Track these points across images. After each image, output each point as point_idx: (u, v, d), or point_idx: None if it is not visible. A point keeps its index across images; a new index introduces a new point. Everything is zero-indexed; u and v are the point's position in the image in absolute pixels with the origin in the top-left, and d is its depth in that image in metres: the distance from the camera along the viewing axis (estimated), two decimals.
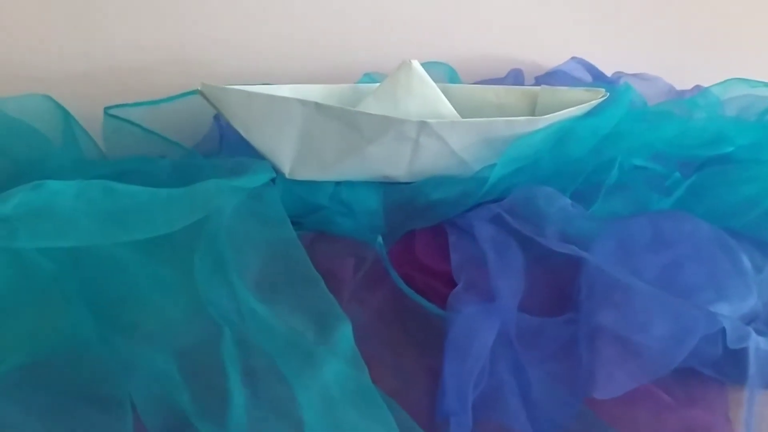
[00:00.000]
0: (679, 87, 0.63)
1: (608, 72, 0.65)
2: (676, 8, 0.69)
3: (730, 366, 0.40)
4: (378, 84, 0.49)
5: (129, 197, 0.39)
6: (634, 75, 0.64)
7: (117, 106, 0.55)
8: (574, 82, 0.61)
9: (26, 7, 0.55)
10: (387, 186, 0.47)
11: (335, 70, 0.59)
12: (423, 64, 0.52)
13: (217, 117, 0.58)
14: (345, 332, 0.36)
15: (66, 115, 0.52)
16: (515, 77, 0.63)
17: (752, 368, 0.37)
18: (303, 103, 0.43)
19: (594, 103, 0.48)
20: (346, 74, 0.57)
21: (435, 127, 0.43)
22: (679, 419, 0.39)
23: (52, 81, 0.59)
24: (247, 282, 0.39)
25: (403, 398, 0.38)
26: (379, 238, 0.43)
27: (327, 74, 0.58)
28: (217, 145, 0.58)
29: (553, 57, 0.65)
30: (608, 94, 0.49)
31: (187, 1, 0.58)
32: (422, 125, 0.43)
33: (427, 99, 0.47)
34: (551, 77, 0.62)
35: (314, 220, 0.47)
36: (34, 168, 0.47)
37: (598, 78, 0.64)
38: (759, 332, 0.42)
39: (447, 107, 0.48)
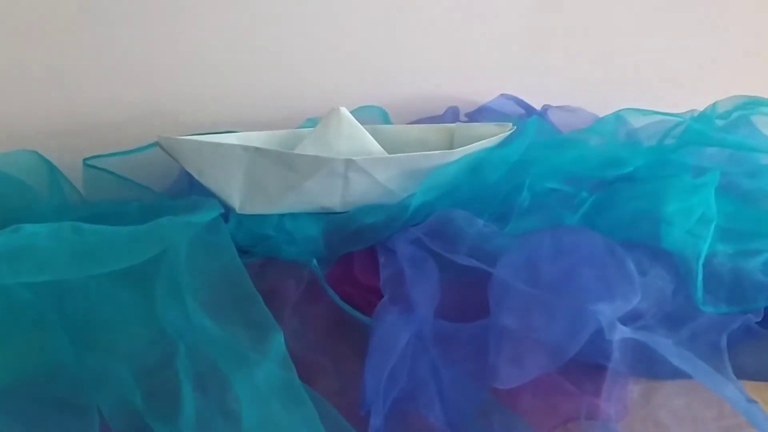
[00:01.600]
0: (601, 115, 0.70)
1: (537, 105, 0.72)
2: (598, 45, 0.76)
3: (639, 365, 0.47)
4: (312, 129, 0.57)
5: (96, 235, 0.46)
6: (560, 107, 0.71)
7: (94, 156, 0.62)
8: (502, 116, 0.68)
9: (12, 70, 0.62)
10: (324, 216, 0.54)
11: (281, 115, 0.66)
12: (358, 108, 0.59)
13: None
14: (277, 339, 0.43)
15: (51, 167, 0.58)
16: (452, 114, 0.70)
17: (615, 354, 0.43)
18: (245, 148, 0.50)
19: (503, 135, 0.55)
20: (291, 118, 0.65)
21: (360, 163, 0.50)
22: (575, 405, 0.45)
23: (38, 137, 0.66)
24: (197, 302, 0.46)
25: (343, 398, 0.45)
26: (314, 260, 0.50)
27: (274, 120, 0.65)
28: (187, 188, 0.65)
29: (487, 93, 0.72)
30: (515, 127, 0.56)
31: (156, 60, 0.65)
32: (349, 162, 0.50)
33: (356, 139, 0.54)
34: (481, 113, 0.69)
35: (263, 248, 0.54)
36: (21, 215, 0.53)
37: (527, 110, 0.71)
38: (646, 328, 0.49)
39: (374, 146, 0.55)
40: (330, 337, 0.50)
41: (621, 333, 0.44)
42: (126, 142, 0.64)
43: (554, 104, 0.72)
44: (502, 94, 0.72)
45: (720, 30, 0.77)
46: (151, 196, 0.61)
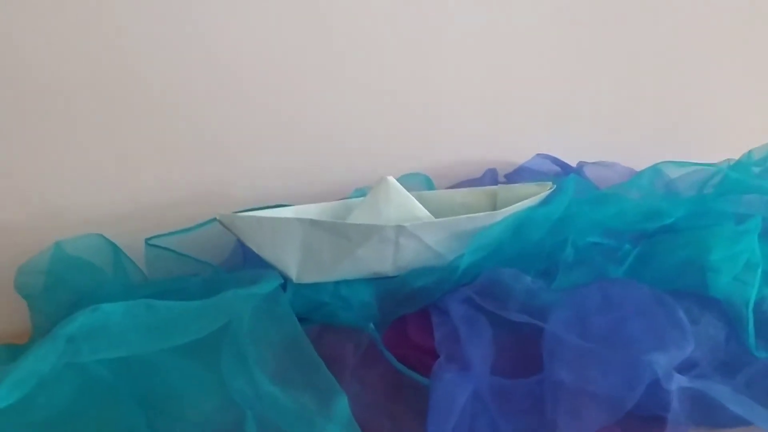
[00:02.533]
0: (637, 168, 0.72)
1: (572, 162, 0.75)
2: (630, 98, 0.79)
3: (694, 410, 0.47)
4: (362, 198, 0.60)
5: (166, 311, 0.49)
6: (595, 163, 0.73)
7: (155, 236, 0.66)
8: (539, 175, 0.71)
9: (77, 159, 0.67)
10: (377, 281, 0.56)
11: (331, 187, 0.69)
12: (403, 176, 0.62)
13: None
14: (341, 403, 0.44)
15: (115, 249, 0.62)
16: (491, 175, 0.73)
17: (674, 404, 0.44)
18: (301, 221, 0.53)
19: (544, 194, 0.57)
20: (340, 190, 0.68)
21: (410, 228, 0.53)
22: None
23: (102, 221, 0.70)
24: (263, 371, 0.48)
25: None
26: (371, 324, 0.52)
27: (324, 191, 0.68)
28: (241, 260, 0.68)
29: (522, 153, 0.75)
30: (555, 186, 0.58)
31: (208, 140, 0.70)
32: (399, 228, 0.53)
33: (404, 206, 0.57)
34: (519, 173, 0.72)
35: (320, 315, 0.56)
36: (91, 295, 0.56)
37: (563, 168, 0.73)
38: (702, 376, 0.49)
39: (422, 211, 0.58)
40: (389, 400, 0.52)
41: (678, 382, 0.45)
42: (183, 222, 0.68)
43: (589, 160, 0.74)
44: (538, 154, 0.75)
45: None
46: (210, 270, 0.64)
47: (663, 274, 0.55)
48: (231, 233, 0.55)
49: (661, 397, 0.46)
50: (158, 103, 0.68)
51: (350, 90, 0.70)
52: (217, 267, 0.65)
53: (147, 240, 0.65)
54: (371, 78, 0.70)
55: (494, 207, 0.63)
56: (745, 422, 0.46)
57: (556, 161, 0.74)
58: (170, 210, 0.71)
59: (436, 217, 0.58)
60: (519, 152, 0.75)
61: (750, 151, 0.62)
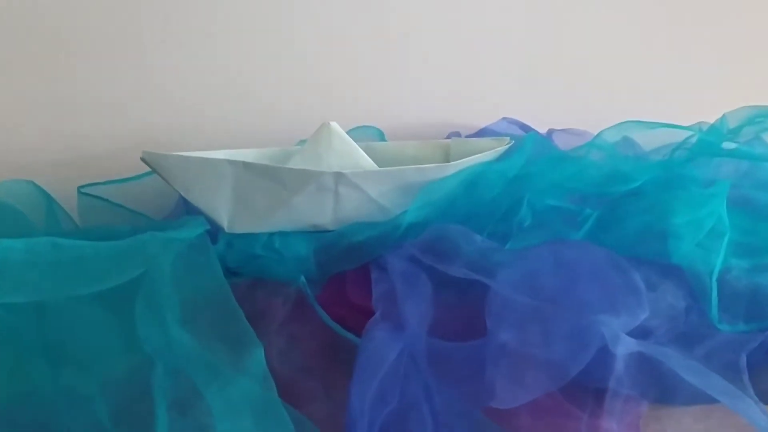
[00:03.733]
0: None
1: (542, 130, 0.70)
2: (600, 66, 0.75)
3: (648, 384, 0.43)
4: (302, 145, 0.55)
5: (74, 250, 0.44)
6: (564, 130, 0.69)
7: (89, 185, 0.61)
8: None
9: (9, 101, 0.63)
10: (315, 234, 0.52)
11: (277, 138, 0.65)
12: (353, 129, 0.57)
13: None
14: (257, 355, 0.40)
15: (47, 196, 0.57)
16: None
17: (618, 367, 0.40)
18: (232, 162, 0.48)
19: (500, 149, 0.53)
20: (288, 142, 0.64)
21: (350, 176, 0.49)
22: (579, 429, 0.42)
23: (34, 167, 0.65)
24: (179, 321, 0.44)
25: (333, 425, 0.42)
26: (302, 277, 0.48)
27: (269, 143, 0.64)
28: (184, 216, 0.64)
29: (488, 119, 0.71)
30: (513, 141, 0.54)
31: (152, 89, 0.66)
32: (339, 176, 0.49)
33: (347, 154, 0.53)
34: (482, 135, 0.68)
35: (252, 268, 0.52)
36: None
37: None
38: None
39: (367, 161, 0.53)
40: (320, 360, 0.48)
41: (626, 346, 0.41)
42: (123, 173, 0.64)
43: (557, 128, 0.70)
44: (504, 118, 0.71)
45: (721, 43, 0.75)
46: (145, 221, 0.60)
47: (623, 240, 0.51)
48: (157, 174, 0.51)
49: (611, 366, 0.43)
50: (100, 43, 0.64)
51: (305, 41, 0.66)
52: (152, 218, 0.61)
53: (79, 188, 0.61)
54: (328, 30, 0.66)
55: (447, 161, 0.58)
56: (700, 398, 0.42)
57: (523, 126, 0.70)
58: (109, 160, 0.67)
59: None
60: (485, 117, 0.71)
61: (723, 116, 0.58)
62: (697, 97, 0.75)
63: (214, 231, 0.51)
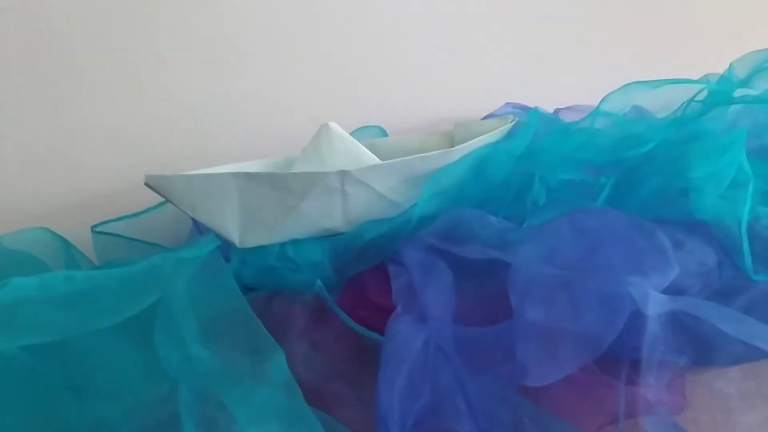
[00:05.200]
0: None
1: (549, 110, 0.69)
2: (604, 39, 0.73)
3: (687, 344, 0.41)
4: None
5: (86, 281, 0.44)
6: (570, 108, 0.67)
7: (102, 223, 0.61)
8: None
9: (13, 148, 0.63)
10: (328, 238, 0.51)
11: (280, 151, 0.64)
12: (355, 130, 0.56)
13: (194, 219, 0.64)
14: (278, 361, 0.39)
15: (64, 242, 0.57)
16: None
17: (651, 326, 0.38)
18: (234, 175, 0.48)
19: (505, 128, 0.52)
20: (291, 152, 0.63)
21: (355, 173, 0.48)
22: (621, 400, 0.40)
23: (47, 215, 0.65)
24: (199, 341, 0.43)
25: (367, 425, 0.41)
26: (319, 282, 0.47)
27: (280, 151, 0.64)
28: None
29: (492, 107, 0.70)
30: (516, 119, 0.53)
31: (152, 121, 0.66)
32: (344, 174, 0.48)
33: (350, 153, 0.52)
34: None
35: (268, 281, 0.51)
36: None
37: None
38: None
39: (369, 157, 0.53)
40: (347, 364, 0.46)
41: (658, 304, 0.39)
42: (136, 208, 0.64)
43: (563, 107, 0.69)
44: (507, 103, 0.69)
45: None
46: (162, 252, 0.60)
47: (643, 204, 0.49)
48: (162, 197, 0.50)
49: (645, 330, 0.40)
50: (97, 84, 0.64)
51: (304, 35, 0.65)
52: (168, 248, 0.61)
53: (93, 227, 0.61)
54: (325, 27, 0.66)
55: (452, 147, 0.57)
56: (744, 355, 0.40)
57: (528, 111, 0.68)
58: (118, 196, 0.67)
59: None
60: (488, 105, 0.70)
61: (731, 65, 0.56)
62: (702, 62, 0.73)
63: (226, 249, 0.50)
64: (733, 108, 0.55)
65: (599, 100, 0.67)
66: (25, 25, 0.60)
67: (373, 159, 0.53)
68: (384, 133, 0.65)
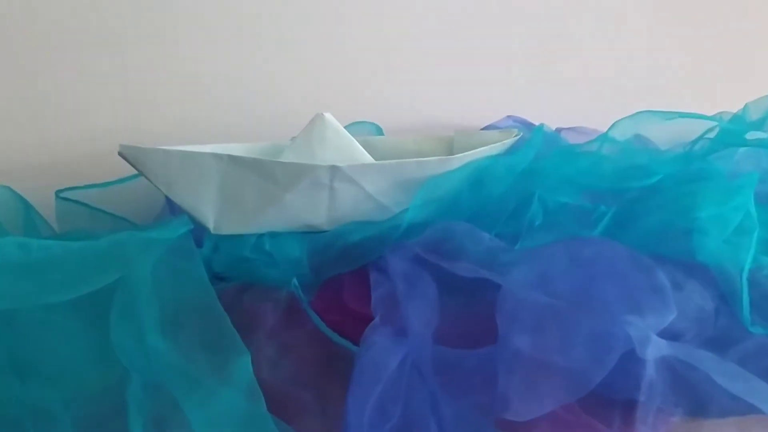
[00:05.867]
0: None
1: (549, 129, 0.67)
2: (611, 61, 0.71)
3: (682, 393, 0.39)
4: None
5: (42, 250, 0.40)
6: (572, 128, 0.65)
7: (67, 189, 0.58)
8: None
9: None
10: (309, 234, 0.48)
11: (270, 137, 0.61)
12: (351, 124, 0.53)
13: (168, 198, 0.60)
14: (243, 363, 0.36)
15: (24, 203, 0.54)
16: None
17: (649, 374, 0.36)
18: (217, 156, 0.45)
19: (508, 142, 0.49)
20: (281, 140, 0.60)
21: (347, 170, 0.45)
22: None
23: (11, 172, 0.61)
24: (159, 329, 0.40)
25: None
26: (294, 280, 0.44)
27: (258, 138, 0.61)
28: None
29: (492, 117, 0.67)
30: (521, 133, 0.50)
31: (134, 86, 0.62)
32: (334, 170, 0.45)
33: (343, 148, 0.49)
34: None
35: (240, 272, 0.48)
36: None
37: None
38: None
39: (363, 155, 0.50)
40: (314, 370, 0.43)
41: (657, 349, 0.36)
42: (105, 177, 0.60)
43: (565, 127, 0.67)
44: (509, 116, 0.67)
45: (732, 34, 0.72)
46: (128, 226, 0.56)
47: (643, 238, 0.47)
48: (136, 170, 0.46)
49: (637, 374, 0.38)
50: (75, 40, 0.60)
51: (305, 36, 0.63)
52: (134, 222, 0.57)
53: (57, 192, 0.57)
54: (325, 25, 0.63)
55: (450, 155, 0.55)
56: (737, 408, 0.38)
57: (529, 126, 0.66)
58: (90, 163, 0.63)
59: None
60: (489, 116, 0.67)
61: (746, 105, 0.54)
62: (710, 94, 0.72)
63: (199, 233, 0.47)
64: (739, 150, 0.54)
65: (601, 124, 0.66)
66: None
67: (367, 157, 0.50)
68: (380, 131, 0.62)
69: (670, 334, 0.40)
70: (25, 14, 0.58)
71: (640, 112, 0.54)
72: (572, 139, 0.65)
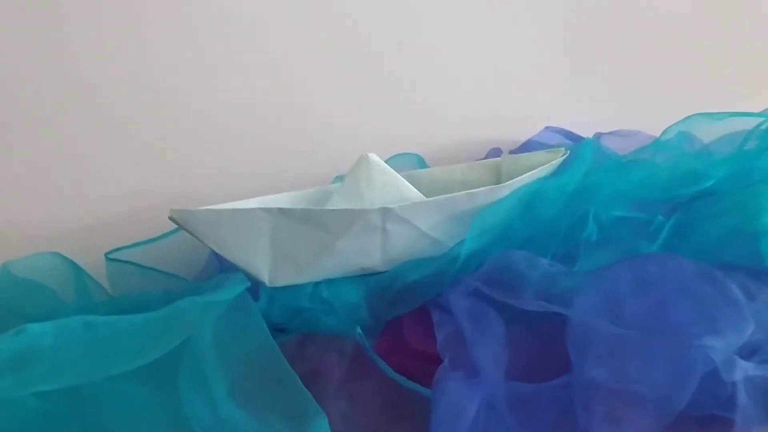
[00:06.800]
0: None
1: (588, 134, 0.65)
2: (645, 60, 0.70)
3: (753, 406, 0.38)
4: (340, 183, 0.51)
5: (107, 328, 0.40)
6: (613, 132, 0.64)
7: (116, 249, 0.58)
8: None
9: (24, 170, 0.60)
10: (365, 277, 0.47)
11: (308, 179, 0.61)
12: (391, 158, 0.53)
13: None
14: (320, 425, 0.36)
15: (75, 267, 0.54)
16: (495, 155, 0.64)
17: (741, 398, 0.34)
18: (267, 210, 0.44)
19: (555, 162, 0.48)
20: (321, 181, 0.59)
21: (398, 211, 0.44)
22: None
23: (58, 238, 0.62)
24: (227, 392, 0.39)
25: None
26: (358, 329, 0.43)
27: (305, 184, 0.60)
28: (218, 271, 0.60)
29: (530, 130, 0.66)
30: (568, 151, 0.49)
31: (169, 142, 0.62)
32: (385, 211, 0.44)
33: (391, 187, 0.48)
34: (525, 149, 0.63)
35: (300, 323, 0.47)
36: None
37: (576, 142, 0.64)
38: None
39: (412, 191, 0.49)
40: (386, 418, 0.43)
41: (744, 370, 0.35)
42: (148, 234, 0.60)
43: (604, 131, 0.65)
44: (547, 127, 0.66)
45: None
46: (179, 283, 0.57)
47: (706, 247, 0.46)
48: (187, 232, 0.47)
49: (720, 391, 0.37)
50: (112, 107, 0.61)
51: (337, 62, 0.62)
52: (186, 279, 0.57)
53: (107, 254, 0.57)
54: (353, 50, 0.62)
55: (498, 182, 0.54)
56: None
57: (568, 135, 0.65)
58: (133, 221, 0.64)
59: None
60: (526, 129, 0.66)
61: None
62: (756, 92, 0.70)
63: (254, 287, 0.47)
64: None
65: (638, 125, 0.64)
66: (37, 39, 0.57)
67: (415, 193, 0.49)
68: (421, 160, 0.62)
69: (748, 348, 0.39)
70: (59, 79, 0.59)
71: (691, 115, 0.52)
72: (612, 143, 0.63)
